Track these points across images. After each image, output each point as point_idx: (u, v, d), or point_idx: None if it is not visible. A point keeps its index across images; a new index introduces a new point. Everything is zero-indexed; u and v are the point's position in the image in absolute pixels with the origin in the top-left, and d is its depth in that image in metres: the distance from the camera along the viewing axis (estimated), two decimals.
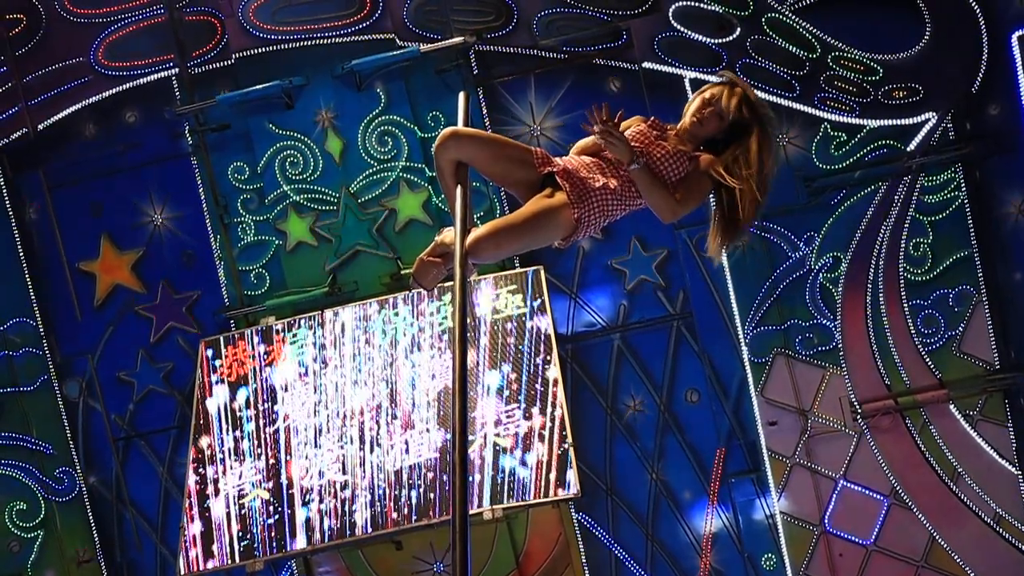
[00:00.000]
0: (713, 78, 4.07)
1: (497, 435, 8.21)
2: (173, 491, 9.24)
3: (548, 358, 8.32)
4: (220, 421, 8.72)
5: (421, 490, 8.23)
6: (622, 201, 3.87)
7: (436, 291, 8.22)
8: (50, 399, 9.35)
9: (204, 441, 8.69)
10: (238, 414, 8.72)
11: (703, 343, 8.89)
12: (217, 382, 8.84)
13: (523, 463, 8.13)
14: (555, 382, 8.26)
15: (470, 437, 7.91)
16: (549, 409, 8.19)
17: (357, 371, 8.67)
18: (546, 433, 8.15)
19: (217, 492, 8.54)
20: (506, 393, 8.33)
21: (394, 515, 8.21)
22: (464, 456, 3.26)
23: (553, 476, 8.03)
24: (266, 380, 8.78)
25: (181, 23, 8.98)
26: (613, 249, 8.98)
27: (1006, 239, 8.51)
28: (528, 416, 8.21)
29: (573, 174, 3.83)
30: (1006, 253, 8.52)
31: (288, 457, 8.54)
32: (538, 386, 8.28)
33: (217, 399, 8.78)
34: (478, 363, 8.42)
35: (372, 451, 8.43)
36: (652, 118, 4.04)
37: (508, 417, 8.26)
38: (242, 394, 8.78)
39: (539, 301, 8.52)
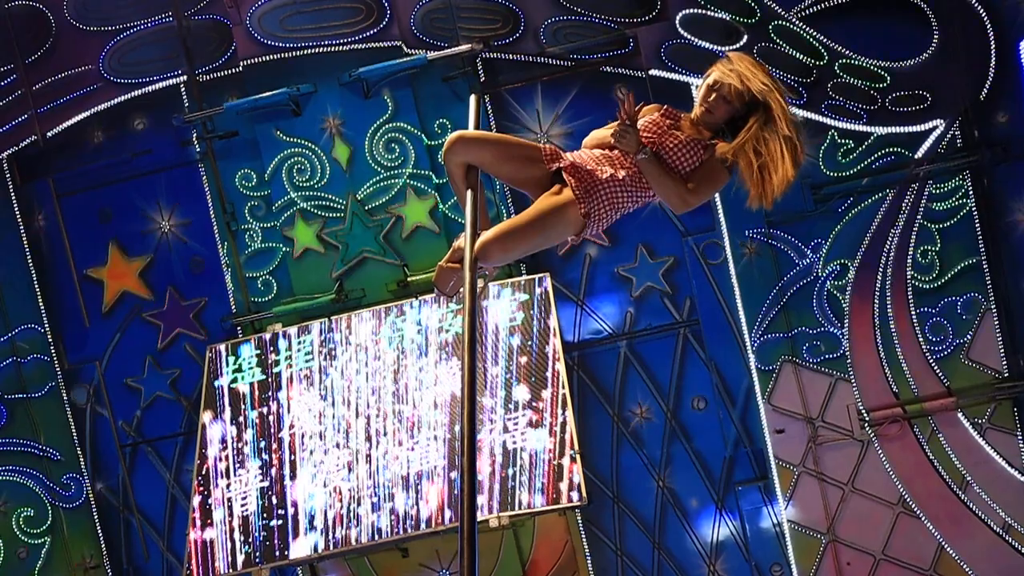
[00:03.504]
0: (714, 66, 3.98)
1: (504, 442, 8.20)
2: (180, 498, 9.24)
3: (556, 356, 8.30)
4: (226, 427, 8.72)
5: (428, 497, 8.21)
6: (632, 193, 3.81)
7: (444, 299, 8.21)
8: (58, 405, 9.36)
9: (210, 447, 8.69)
10: (244, 420, 8.73)
11: (710, 350, 8.87)
12: (224, 388, 8.84)
13: (530, 468, 8.12)
14: (562, 384, 8.24)
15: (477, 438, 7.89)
16: (559, 412, 8.18)
17: (364, 378, 8.67)
18: (555, 438, 8.13)
19: (222, 499, 8.54)
20: (514, 398, 8.31)
21: (400, 522, 8.20)
22: (473, 462, 3.25)
23: (563, 483, 8.01)
24: (272, 387, 8.78)
25: (189, 31, 9.01)
26: (620, 256, 8.97)
27: (1014, 247, 8.49)
28: (536, 421, 8.20)
29: (580, 168, 3.79)
30: (1014, 261, 8.50)
31: (294, 463, 8.53)
32: (546, 378, 8.26)
33: (224, 406, 8.79)
34: (486, 367, 8.41)
35: (378, 457, 8.42)
36: (666, 107, 3.98)
37: (514, 425, 8.24)
38: (248, 401, 8.78)
39: (545, 307, 8.52)
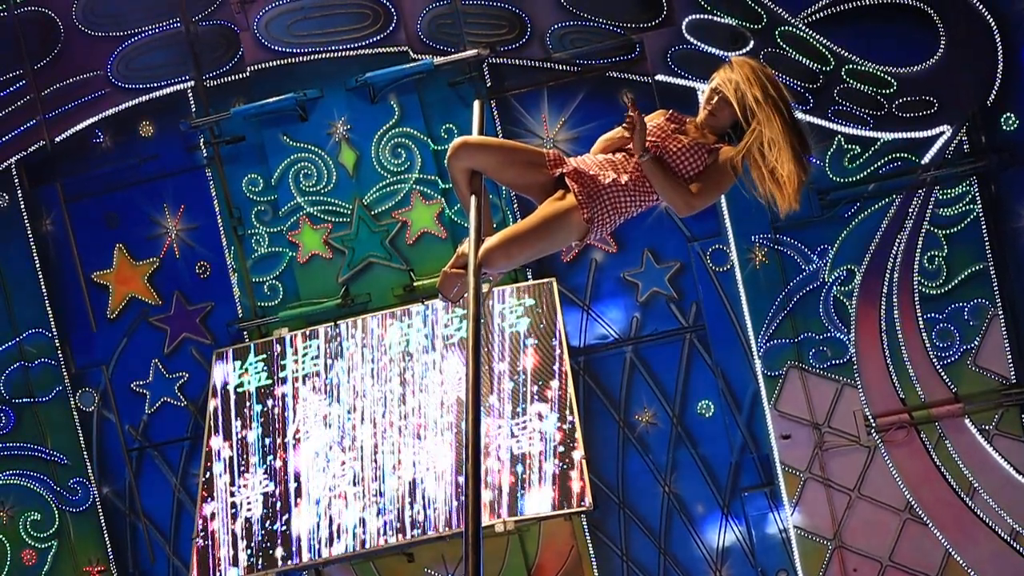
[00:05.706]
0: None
1: (510, 447, 8.20)
2: (186, 502, 9.26)
3: (562, 360, 8.30)
4: (232, 432, 8.73)
5: (433, 501, 8.21)
6: (635, 197, 3.80)
7: (449, 304, 8.21)
8: (65, 410, 9.39)
9: (216, 452, 8.70)
10: (250, 424, 8.74)
11: (716, 356, 8.86)
12: (230, 393, 8.86)
13: (536, 472, 8.11)
14: (568, 388, 8.24)
15: (483, 442, 7.88)
16: (567, 417, 8.17)
17: (370, 382, 8.68)
18: (562, 443, 8.13)
19: (227, 503, 8.55)
20: (520, 403, 8.31)
21: (406, 527, 8.20)
22: (477, 467, 3.25)
23: (570, 488, 8.00)
24: (278, 391, 8.79)
25: (197, 36, 9.05)
26: (626, 261, 8.97)
27: (1021, 252, 8.47)
28: (542, 426, 8.20)
29: (583, 174, 3.80)
30: (1021, 266, 8.47)
31: (299, 468, 8.54)
32: (552, 383, 8.26)
33: (229, 410, 8.80)
34: (492, 372, 8.41)
35: (384, 462, 8.42)
36: (671, 111, 3.97)
37: (521, 428, 8.24)
38: (254, 405, 8.79)
39: (551, 312, 8.52)
